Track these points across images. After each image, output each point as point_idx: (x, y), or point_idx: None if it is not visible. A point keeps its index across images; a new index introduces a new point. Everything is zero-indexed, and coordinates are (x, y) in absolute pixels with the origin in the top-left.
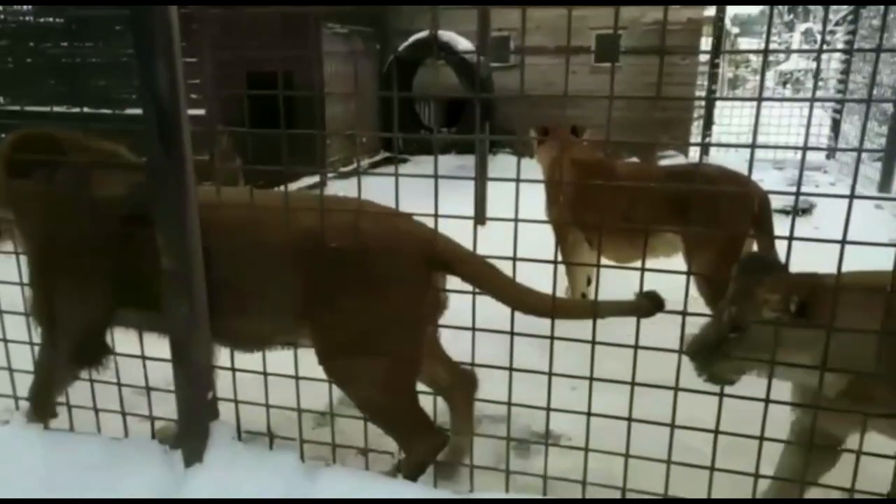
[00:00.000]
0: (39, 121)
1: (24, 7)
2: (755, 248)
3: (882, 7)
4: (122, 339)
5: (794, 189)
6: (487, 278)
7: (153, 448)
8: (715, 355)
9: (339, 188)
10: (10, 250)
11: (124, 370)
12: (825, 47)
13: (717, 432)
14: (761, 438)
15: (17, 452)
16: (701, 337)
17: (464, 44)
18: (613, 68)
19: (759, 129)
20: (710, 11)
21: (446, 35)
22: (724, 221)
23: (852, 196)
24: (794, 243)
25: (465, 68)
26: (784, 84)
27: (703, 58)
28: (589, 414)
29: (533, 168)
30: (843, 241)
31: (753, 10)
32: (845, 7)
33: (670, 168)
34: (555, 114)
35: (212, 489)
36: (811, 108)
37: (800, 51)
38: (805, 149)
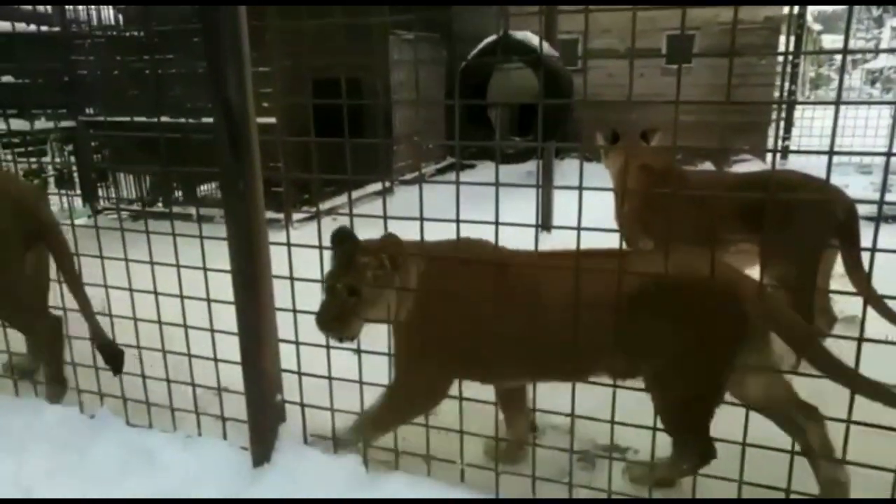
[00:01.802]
0: (120, 130)
1: (112, 22)
2: (839, 259)
3: None
4: (198, 341)
5: (880, 194)
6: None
7: (224, 447)
8: (344, 321)
9: (405, 193)
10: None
11: (198, 372)
12: None
13: (792, 453)
14: (844, 462)
15: (100, 445)
16: (326, 310)
17: (539, 44)
18: (680, 71)
19: (845, 130)
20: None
21: (520, 35)
22: (804, 231)
23: None
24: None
25: (546, 71)
26: (872, 83)
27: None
28: (655, 428)
29: (602, 174)
30: None
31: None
32: None
33: (745, 175)
34: (621, 118)
35: (278, 489)
36: None
37: (880, 50)
38: (889, 154)
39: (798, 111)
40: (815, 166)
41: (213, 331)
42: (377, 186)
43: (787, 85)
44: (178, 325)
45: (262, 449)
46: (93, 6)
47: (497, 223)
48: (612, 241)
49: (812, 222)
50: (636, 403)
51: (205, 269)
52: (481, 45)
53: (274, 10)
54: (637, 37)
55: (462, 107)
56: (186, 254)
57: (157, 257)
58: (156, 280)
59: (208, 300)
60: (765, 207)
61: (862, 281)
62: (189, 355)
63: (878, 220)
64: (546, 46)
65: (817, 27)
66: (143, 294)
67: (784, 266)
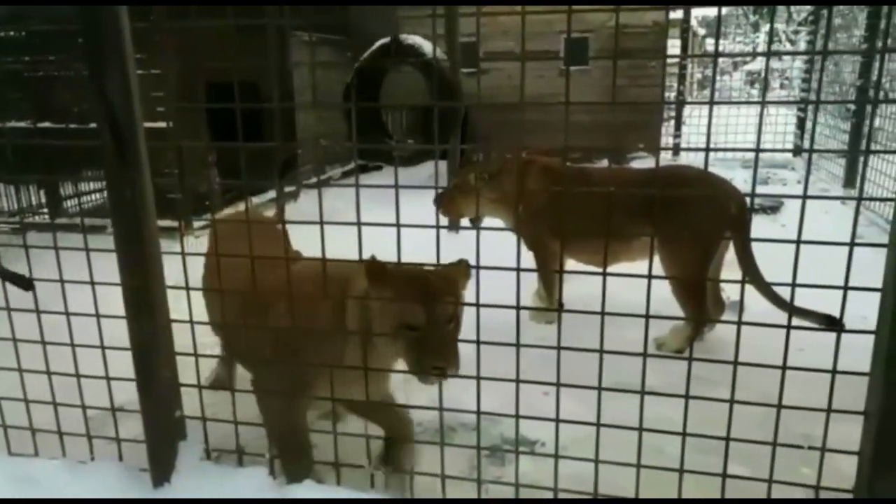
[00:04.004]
0: None
1: None
2: (732, 249)
3: (840, 7)
4: (86, 359)
5: (761, 187)
6: None
7: (120, 470)
8: None
9: (309, 198)
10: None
11: (88, 391)
12: (788, 48)
13: (684, 434)
14: (728, 439)
15: None
16: None
17: (429, 48)
18: (569, 73)
19: (728, 128)
20: (677, 14)
21: (411, 39)
22: (700, 224)
23: (805, 196)
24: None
25: (432, 73)
26: (752, 84)
27: (673, 59)
28: (557, 420)
29: None
30: (799, 241)
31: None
32: (808, 8)
33: (647, 171)
34: (517, 118)
35: None
36: (762, 110)
37: (749, 53)
38: (758, 150)
39: (687, 110)
40: (702, 162)
41: (103, 347)
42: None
43: (672, 85)
44: (65, 345)
45: (161, 469)
46: None
47: (398, 225)
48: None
49: (707, 215)
50: (542, 397)
51: (92, 282)
52: (373, 48)
53: (162, 10)
54: (534, 39)
55: (358, 109)
56: (74, 267)
57: (40, 273)
58: (37, 297)
59: (97, 315)
60: (662, 201)
61: (751, 268)
62: (77, 375)
63: (751, 210)
64: (437, 51)
65: (702, 31)
66: (25, 314)
67: (680, 256)
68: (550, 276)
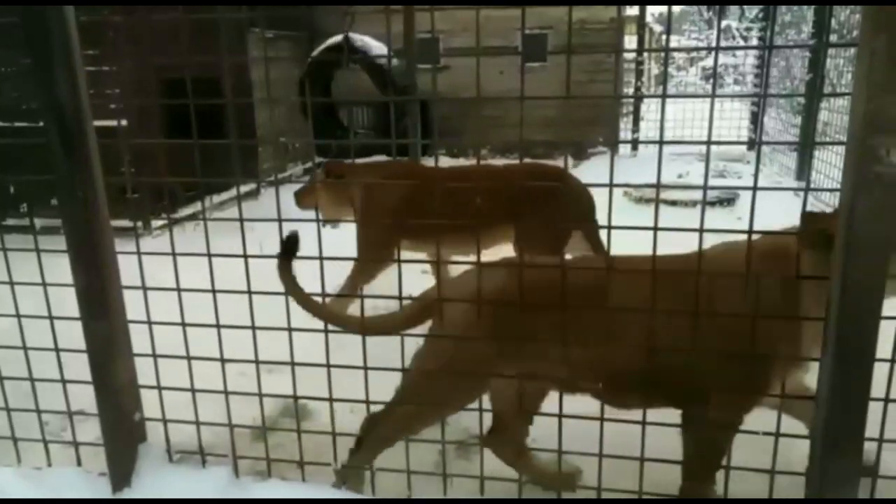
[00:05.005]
0: None
1: None
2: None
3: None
4: (40, 362)
5: (717, 180)
6: None
7: (79, 474)
8: None
9: (270, 195)
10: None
11: (45, 395)
12: (740, 43)
13: (643, 423)
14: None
15: None
16: None
17: (377, 47)
18: (524, 68)
19: (685, 122)
20: (634, 11)
21: (359, 39)
22: (552, 216)
23: (755, 188)
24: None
25: (378, 72)
26: (707, 79)
27: (631, 55)
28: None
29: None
30: (751, 231)
31: (675, 8)
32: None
33: (506, 166)
34: (475, 112)
35: None
36: (712, 103)
37: (697, 48)
38: (709, 143)
39: (644, 105)
40: (664, 156)
41: (57, 350)
42: (243, 189)
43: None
44: (17, 348)
45: (121, 472)
46: None
47: (358, 220)
48: None
49: (559, 208)
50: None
51: (44, 283)
52: (325, 44)
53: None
54: (495, 36)
55: (315, 105)
56: (29, 269)
57: None
58: None
59: (50, 317)
60: (519, 195)
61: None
62: (31, 379)
63: (703, 204)
64: (381, 48)
65: (658, 28)
66: None
67: (535, 245)
68: (362, 274)
